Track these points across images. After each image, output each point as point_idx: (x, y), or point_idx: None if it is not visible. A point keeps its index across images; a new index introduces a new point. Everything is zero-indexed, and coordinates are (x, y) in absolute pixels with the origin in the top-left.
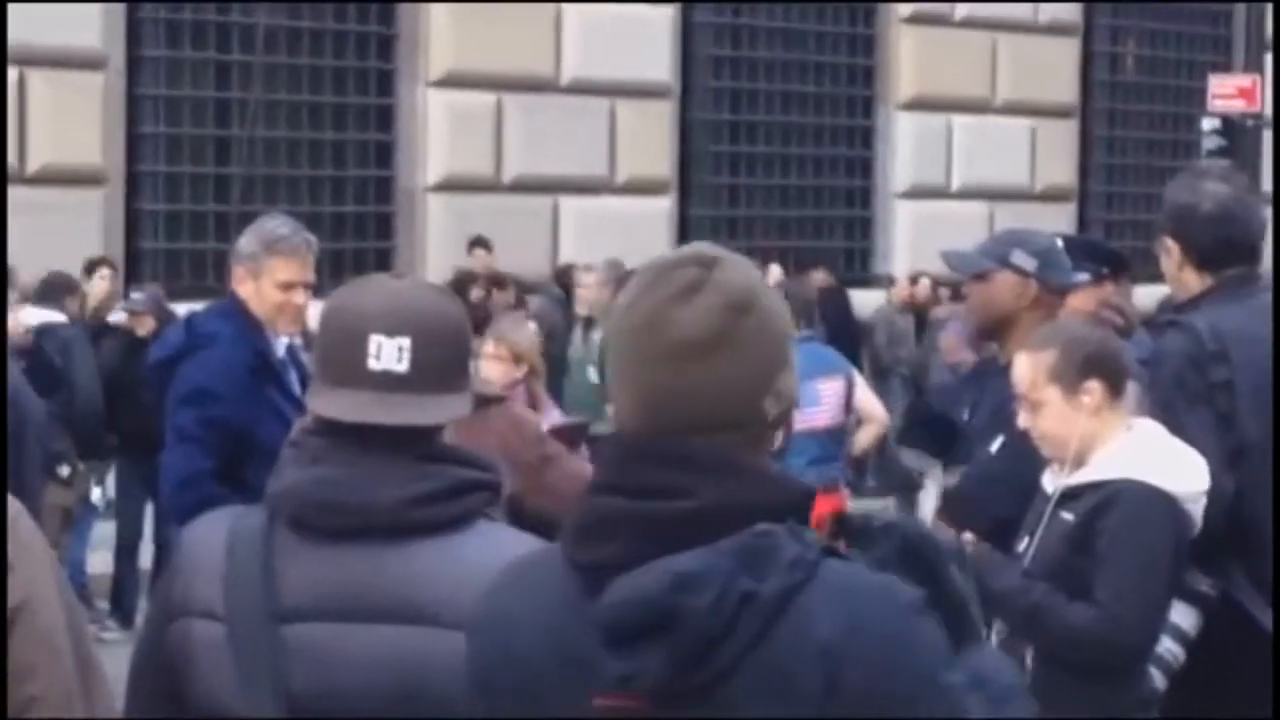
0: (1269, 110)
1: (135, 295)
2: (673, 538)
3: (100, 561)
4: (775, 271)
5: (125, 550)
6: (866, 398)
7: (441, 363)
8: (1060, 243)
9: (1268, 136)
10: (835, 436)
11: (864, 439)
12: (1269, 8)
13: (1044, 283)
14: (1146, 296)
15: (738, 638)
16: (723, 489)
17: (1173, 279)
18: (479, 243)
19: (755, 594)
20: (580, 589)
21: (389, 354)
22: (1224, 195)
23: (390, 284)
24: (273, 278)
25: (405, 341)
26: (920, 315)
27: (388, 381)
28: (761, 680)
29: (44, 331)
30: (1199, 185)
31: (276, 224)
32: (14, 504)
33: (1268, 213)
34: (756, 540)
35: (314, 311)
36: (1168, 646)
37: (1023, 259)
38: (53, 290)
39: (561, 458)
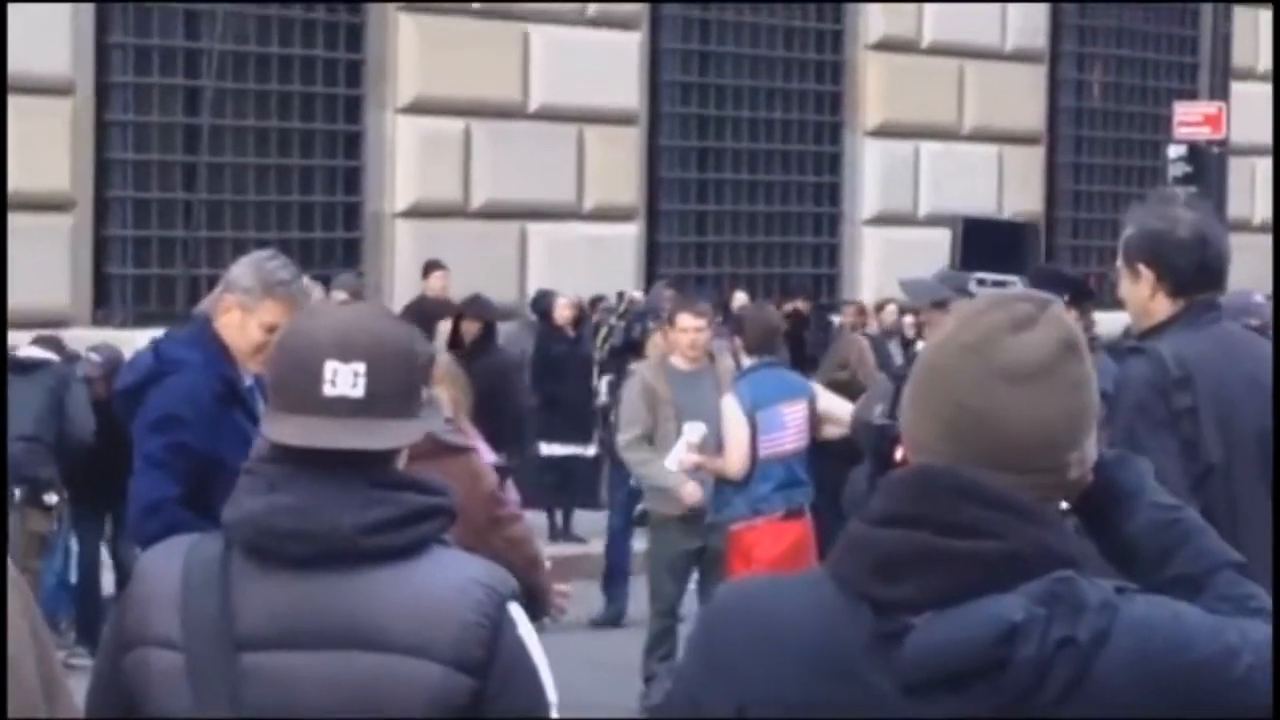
0: (1238, 136)
1: (93, 356)
2: (979, 578)
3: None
4: (740, 297)
5: (88, 578)
6: (830, 402)
7: (396, 388)
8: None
9: (1233, 163)
10: (801, 460)
11: (830, 434)
12: (1234, 36)
13: None
14: (1112, 323)
15: (1054, 684)
16: (1030, 533)
17: (1139, 305)
18: (435, 265)
19: (1073, 640)
20: (869, 626)
21: (344, 380)
22: (1197, 221)
23: (344, 310)
24: (262, 318)
25: (360, 367)
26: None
27: (343, 407)
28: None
29: (42, 364)
30: (1171, 212)
31: (277, 265)
32: None
33: (1234, 239)
34: (1062, 586)
35: None
36: None
37: (978, 287)
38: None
39: (509, 521)
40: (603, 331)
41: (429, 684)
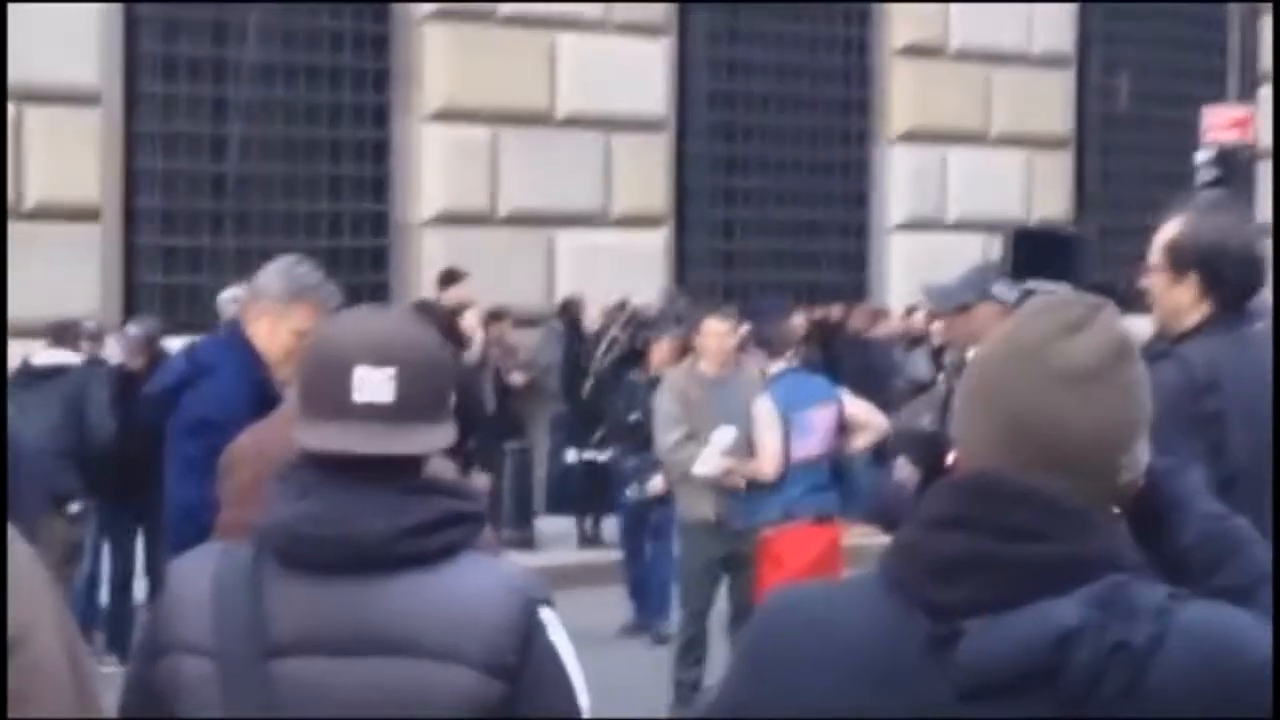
0: (1266, 140)
1: (132, 329)
2: (1034, 582)
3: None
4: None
5: (120, 585)
6: (858, 408)
7: (425, 394)
8: None
9: (1263, 167)
10: (827, 466)
11: (860, 442)
12: (1264, 39)
13: None
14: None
15: (1108, 689)
16: (1085, 537)
17: (1177, 309)
18: (454, 277)
19: (1127, 644)
20: (923, 630)
21: (373, 385)
22: (1248, 234)
23: (373, 316)
24: (293, 324)
25: (390, 372)
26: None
27: (373, 413)
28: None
29: (59, 371)
30: (1224, 222)
31: (304, 271)
32: (10, 531)
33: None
34: (1117, 591)
35: None
36: None
37: (1003, 290)
38: (65, 333)
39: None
40: (605, 341)
41: (461, 689)
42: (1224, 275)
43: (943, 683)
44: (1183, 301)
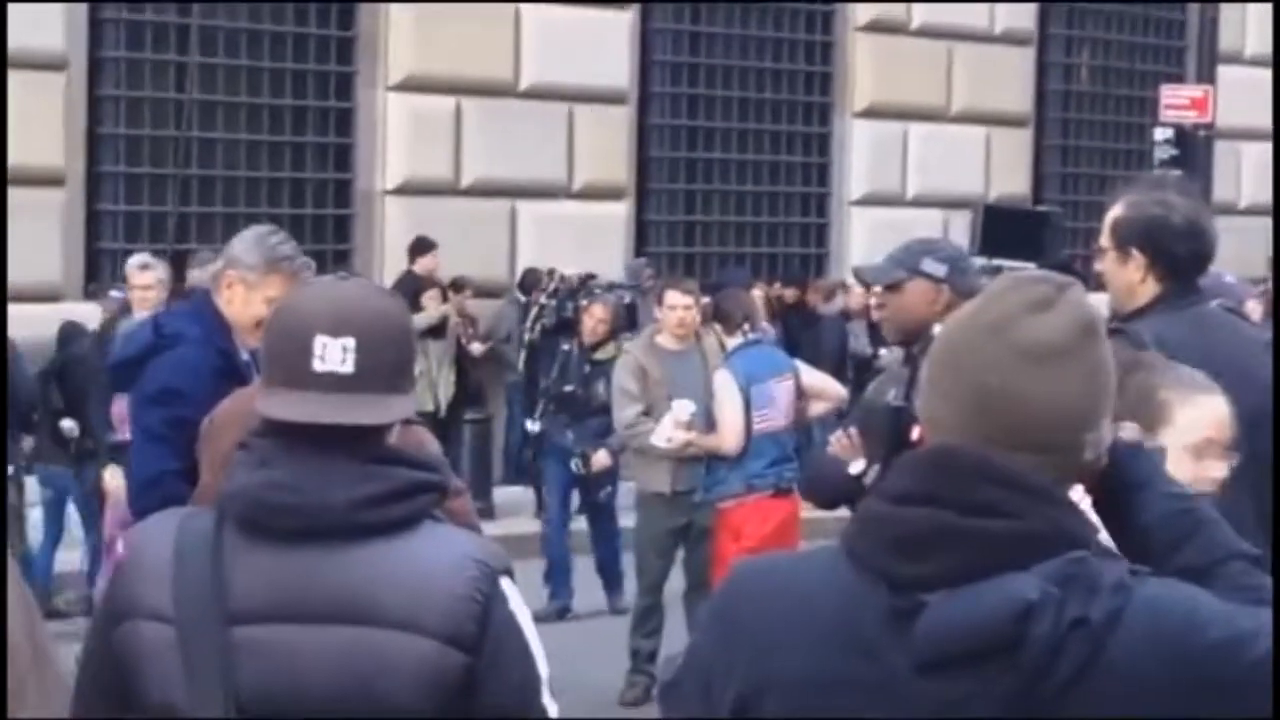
0: (1226, 120)
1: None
2: (995, 557)
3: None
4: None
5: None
6: (814, 378)
7: (387, 364)
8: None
9: (1219, 147)
10: (791, 437)
11: (817, 409)
12: (1221, 20)
13: (955, 288)
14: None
15: (1067, 663)
16: (1046, 513)
17: (1125, 287)
18: (426, 245)
19: (1086, 619)
20: (884, 603)
21: (334, 355)
22: (1191, 209)
23: (335, 285)
24: (266, 294)
25: (350, 342)
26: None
27: (333, 382)
28: (1088, 705)
29: None
30: (1166, 198)
31: (278, 240)
32: None
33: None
34: (1077, 566)
35: None
36: None
37: (933, 266)
38: None
39: (453, 494)
40: (534, 310)
41: (421, 658)
42: (1167, 250)
43: (902, 655)
44: (1132, 280)
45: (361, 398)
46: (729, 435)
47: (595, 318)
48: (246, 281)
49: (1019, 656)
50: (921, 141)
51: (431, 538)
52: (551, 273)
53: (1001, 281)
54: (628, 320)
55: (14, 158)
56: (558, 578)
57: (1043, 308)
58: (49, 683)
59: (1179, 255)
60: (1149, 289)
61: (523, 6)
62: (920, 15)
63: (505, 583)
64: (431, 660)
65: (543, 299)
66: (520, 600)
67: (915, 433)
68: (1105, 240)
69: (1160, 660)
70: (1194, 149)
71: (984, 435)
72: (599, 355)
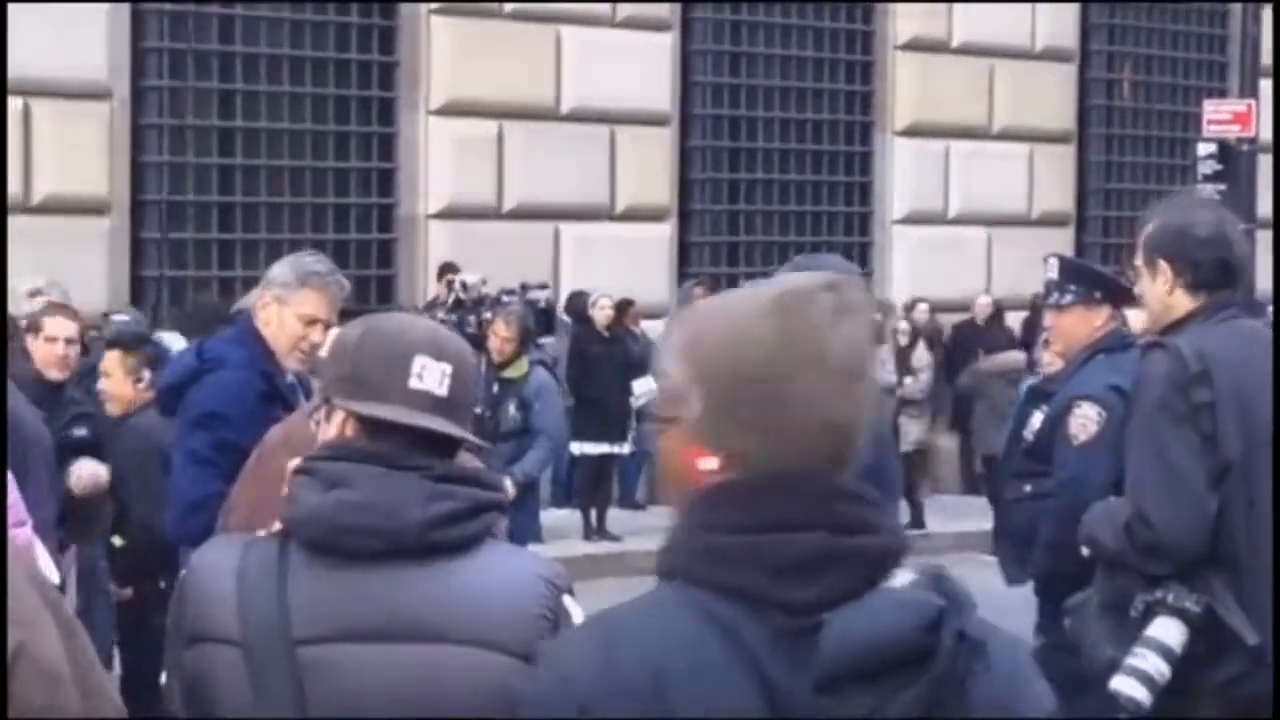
0: (1267, 134)
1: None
2: (871, 573)
3: None
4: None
5: None
6: None
7: (470, 396)
8: (1056, 262)
9: (1264, 161)
10: None
11: None
12: (1265, 33)
13: None
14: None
15: (966, 673)
16: (893, 527)
17: (1158, 301)
18: (450, 269)
19: (965, 633)
20: (767, 629)
21: (432, 376)
22: (1215, 218)
23: (421, 317)
24: (298, 309)
25: (448, 368)
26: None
27: (427, 402)
28: (981, 713)
29: None
30: (1189, 209)
31: (313, 259)
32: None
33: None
34: (941, 580)
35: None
36: (1155, 665)
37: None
38: None
39: None
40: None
41: (493, 675)
42: (1190, 258)
43: (799, 676)
44: (1161, 292)
45: (447, 422)
46: None
47: (500, 336)
48: (280, 298)
49: (930, 666)
50: (964, 159)
51: (498, 556)
52: (451, 283)
53: (784, 296)
54: (543, 325)
55: (59, 187)
56: None
57: (841, 318)
58: (103, 705)
59: (1202, 263)
60: (1180, 301)
61: (563, 29)
62: (961, 33)
63: (568, 600)
64: (504, 676)
65: (441, 314)
66: (582, 618)
67: (704, 461)
68: (1138, 256)
69: (1008, 694)
70: (1237, 163)
71: (836, 457)
72: (508, 374)
